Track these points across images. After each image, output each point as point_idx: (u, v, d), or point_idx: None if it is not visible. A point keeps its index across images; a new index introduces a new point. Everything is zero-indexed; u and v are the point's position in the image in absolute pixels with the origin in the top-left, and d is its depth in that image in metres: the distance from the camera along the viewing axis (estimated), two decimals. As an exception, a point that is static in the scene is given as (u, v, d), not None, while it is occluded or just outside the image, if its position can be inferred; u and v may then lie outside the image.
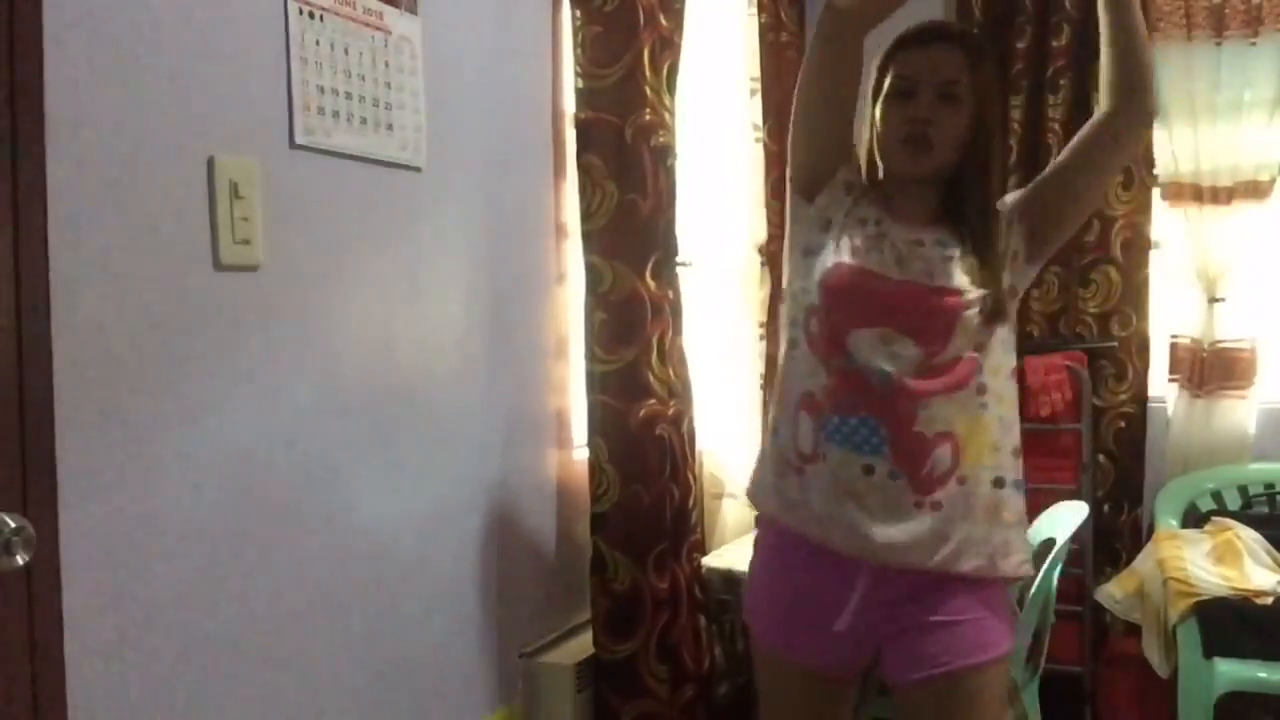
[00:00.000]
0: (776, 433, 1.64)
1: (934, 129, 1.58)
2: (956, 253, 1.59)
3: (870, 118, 1.68)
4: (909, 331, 1.55)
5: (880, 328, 1.55)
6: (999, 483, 1.58)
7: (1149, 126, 1.63)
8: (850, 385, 1.56)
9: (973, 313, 1.55)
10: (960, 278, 1.55)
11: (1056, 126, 3.18)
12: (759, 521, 1.73)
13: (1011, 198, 1.66)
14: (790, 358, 1.63)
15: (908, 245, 1.60)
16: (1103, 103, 1.57)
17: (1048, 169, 1.65)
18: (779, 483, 1.63)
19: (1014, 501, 1.60)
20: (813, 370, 1.59)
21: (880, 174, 1.67)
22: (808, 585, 1.63)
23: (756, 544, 1.74)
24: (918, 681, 1.59)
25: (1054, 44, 3.18)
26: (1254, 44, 2.96)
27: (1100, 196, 1.52)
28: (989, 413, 1.58)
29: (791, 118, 1.69)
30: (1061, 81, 3.18)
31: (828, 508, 1.57)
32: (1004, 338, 1.61)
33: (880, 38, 1.62)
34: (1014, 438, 1.62)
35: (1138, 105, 1.56)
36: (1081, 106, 3.17)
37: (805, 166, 1.69)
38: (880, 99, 1.65)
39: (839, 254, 1.58)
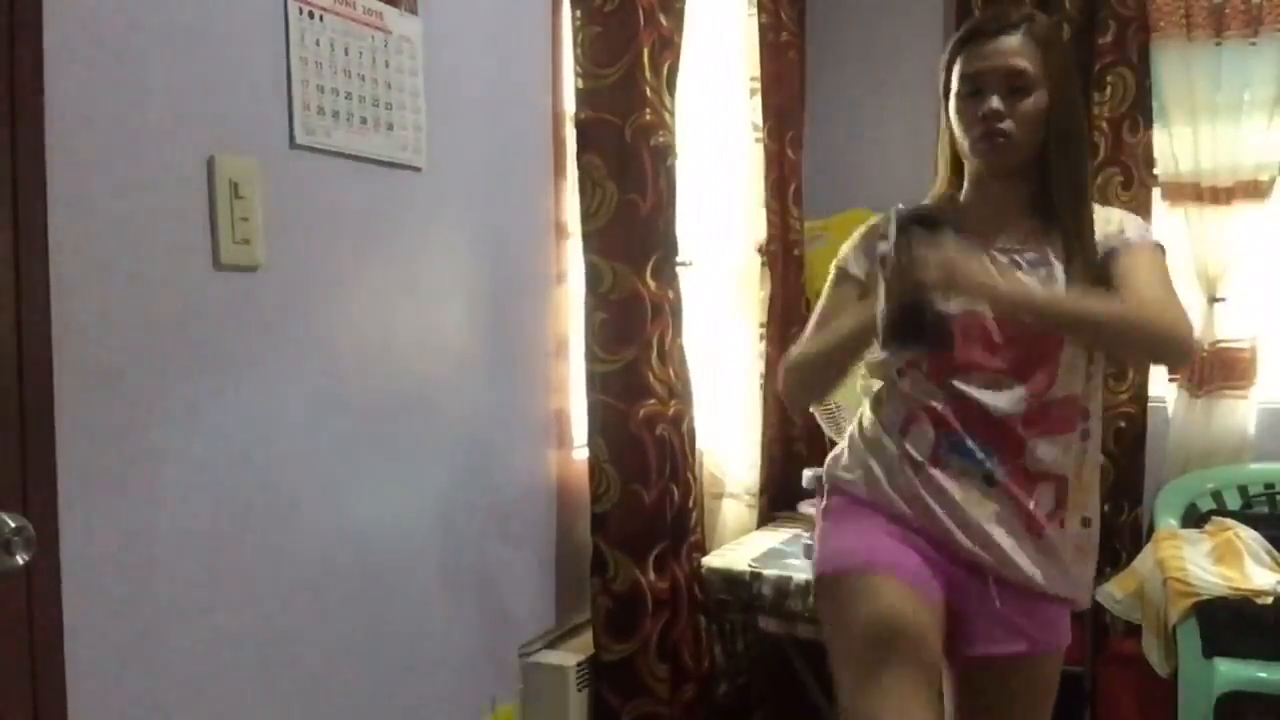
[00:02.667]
0: (890, 432, 1.60)
1: (1009, 123, 1.55)
2: (1058, 270, 1.56)
3: (944, 119, 1.66)
4: (1013, 373, 1.55)
5: (986, 372, 1.55)
6: (1086, 522, 1.62)
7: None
8: (967, 411, 1.56)
9: (1072, 350, 1.55)
10: None
11: (1057, 126, 3.18)
12: (837, 496, 1.66)
13: (1112, 242, 1.59)
14: (903, 379, 1.61)
15: (1027, 270, 1.57)
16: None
17: (1125, 279, 1.57)
18: (891, 478, 1.60)
19: (1094, 540, 1.64)
20: (930, 391, 1.58)
21: (964, 178, 1.65)
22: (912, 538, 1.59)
23: (839, 514, 1.65)
24: (995, 657, 1.60)
25: (1054, 44, 3.17)
26: (1254, 44, 2.96)
27: None
28: (1089, 457, 1.61)
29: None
30: (1061, 81, 3.17)
31: (949, 507, 1.56)
32: (1098, 376, 1.62)
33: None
34: (1099, 475, 1.65)
35: (1170, 363, 1.55)
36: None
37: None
38: (950, 100, 1.62)
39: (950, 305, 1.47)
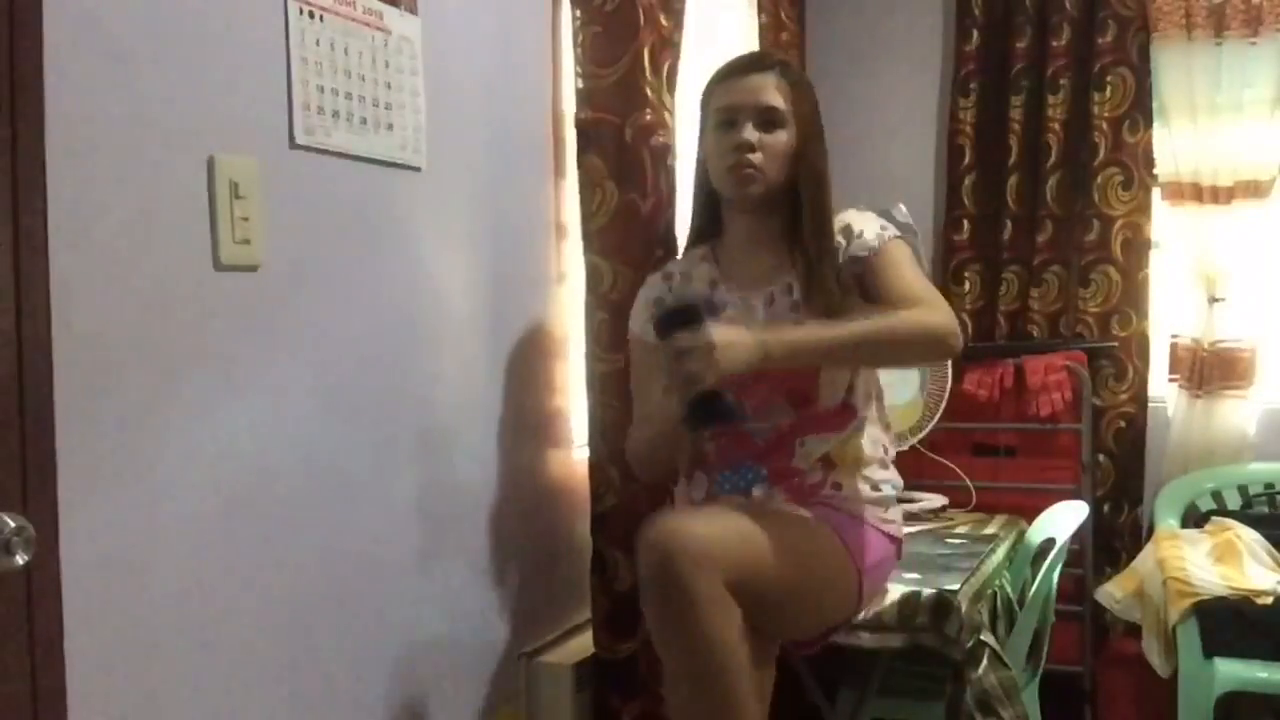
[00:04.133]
0: (676, 482, 1.86)
1: (758, 154, 1.65)
2: (800, 299, 1.69)
3: (699, 153, 1.79)
4: (780, 395, 1.70)
5: (750, 400, 1.68)
6: (869, 481, 1.76)
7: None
8: (738, 443, 1.75)
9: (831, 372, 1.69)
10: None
11: (1057, 126, 3.18)
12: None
13: (855, 251, 1.70)
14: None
15: (758, 305, 1.73)
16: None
17: (876, 284, 1.68)
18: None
19: (881, 495, 1.78)
20: (702, 439, 1.77)
21: (720, 209, 1.80)
22: None
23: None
24: None
25: (1054, 44, 3.18)
26: (1254, 44, 2.96)
27: None
28: (861, 429, 1.75)
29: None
30: (1061, 81, 3.18)
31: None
32: (865, 382, 1.79)
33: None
34: (886, 436, 1.82)
35: (942, 357, 1.69)
36: (1081, 106, 3.18)
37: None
38: (705, 133, 1.75)
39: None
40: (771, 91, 1.66)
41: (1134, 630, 2.70)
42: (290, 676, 1.58)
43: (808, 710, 2.67)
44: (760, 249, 1.72)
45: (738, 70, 1.72)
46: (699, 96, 1.80)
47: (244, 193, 1.48)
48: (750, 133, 1.66)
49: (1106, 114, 3.14)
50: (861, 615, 1.89)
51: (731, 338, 1.49)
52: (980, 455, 3.12)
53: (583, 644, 2.21)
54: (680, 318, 1.51)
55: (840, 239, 1.71)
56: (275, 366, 1.56)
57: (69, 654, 1.24)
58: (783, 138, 1.66)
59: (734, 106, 1.68)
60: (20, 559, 1.13)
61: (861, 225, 1.71)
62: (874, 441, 1.78)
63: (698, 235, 1.90)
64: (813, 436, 1.71)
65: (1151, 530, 2.96)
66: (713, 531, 1.51)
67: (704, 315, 1.51)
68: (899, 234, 1.73)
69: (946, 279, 3.26)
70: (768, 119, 1.66)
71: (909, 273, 1.67)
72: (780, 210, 1.71)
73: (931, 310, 1.60)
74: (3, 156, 1.16)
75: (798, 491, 1.70)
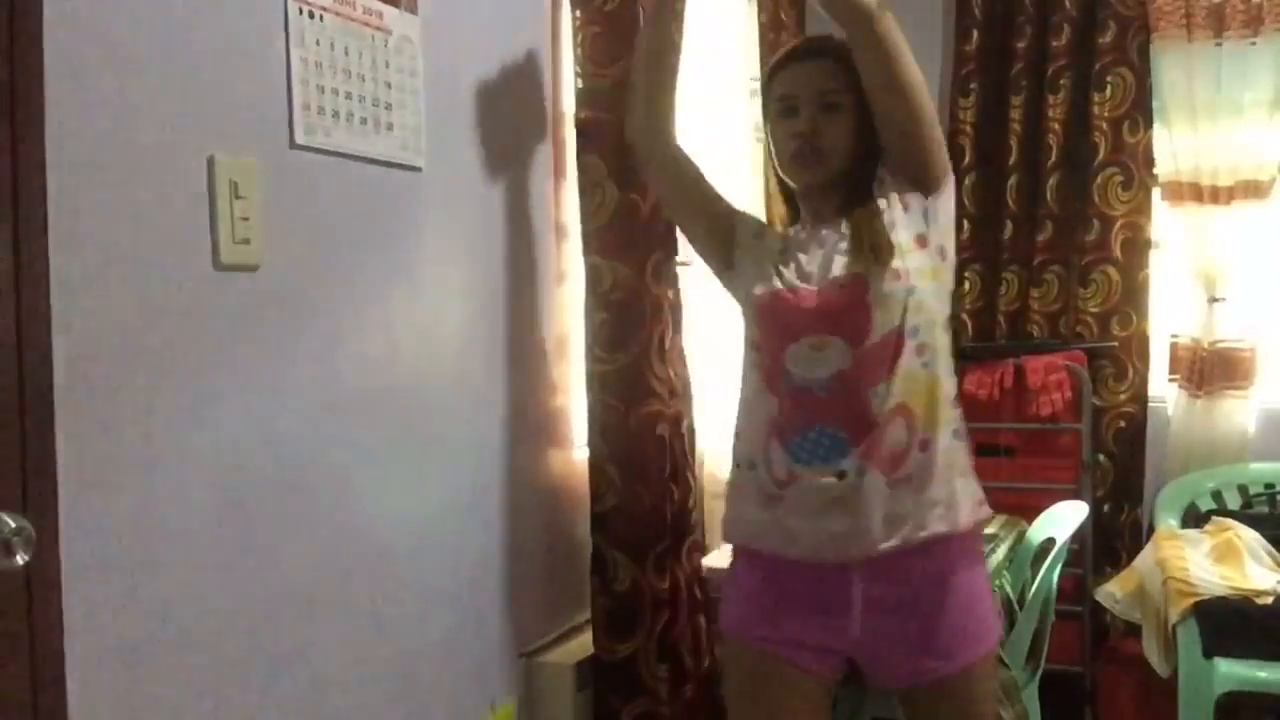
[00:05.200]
0: (754, 467, 1.68)
1: (820, 139, 1.66)
2: (847, 239, 1.65)
3: (768, 141, 1.77)
4: (831, 330, 1.61)
5: (806, 337, 1.62)
6: (957, 434, 1.66)
7: (874, 29, 1.60)
8: (799, 403, 1.63)
9: (879, 286, 1.59)
10: (855, 262, 1.61)
11: (1056, 126, 3.19)
12: (738, 554, 1.77)
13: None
14: (750, 394, 1.72)
15: (811, 251, 1.68)
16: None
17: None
18: (760, 514, 1.66)
19: (965, 451, 1.68)
20: (767, 401, 1.67)
21: (791, 188, 1.77)
22: (807, 597, 1.64)
23: (736, 568, 1.77)
24: (914, 688, 1.66)
25: (1054, 44, 3.18)
26: (1254, 44, 2.97)
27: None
28: (934, 370, 1.63)
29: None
30: (1061, 81, 3.18)
31: (812, 524, 1.60)
32: (934, 290, 1.65)
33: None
34: (954, 385, 1.70)
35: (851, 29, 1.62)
36: (1081, 106, 3.18)
37: (708, 251, 1.84)
38: (769, 121, 1.74)
39: (755, 290, 1.69)
40: (829, 75, 1.65)
41: (1134, 630, 2.70)
42: (290, 676, 1.58)
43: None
44: (823, 225, 1.70)
45: (796, 56, 1.72)
46: (762, 84, 1.81)
47: (244, 193, 1.48)
48: (810, 119, 1.65)
49: (1106, 114, 3.15)
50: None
51: None
52: (980, 455, 3.09)
53: (583, 644, 2.21)
54: None
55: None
56: (275, 366, 1.56)
57: (69, 654, 1.24)
58: (843, 121, 1.65)
59: (792, 94, 1.67)
60: (20, 559, 1.14)
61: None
62: (949, 376, 1.66)
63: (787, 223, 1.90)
64: (881, 385, 1.58)
65: (1151, 530, 2.96)
66: None
67: None
68: None
69: (947, 279, 3.25)
70: (827, 103, 1.65)
71: None
72: (841, 189, 1.69)
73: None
74: (3, 157, 1.16)
75: (888, 464, 1.57)
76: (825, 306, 1.61)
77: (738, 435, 1.73)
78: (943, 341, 1.66)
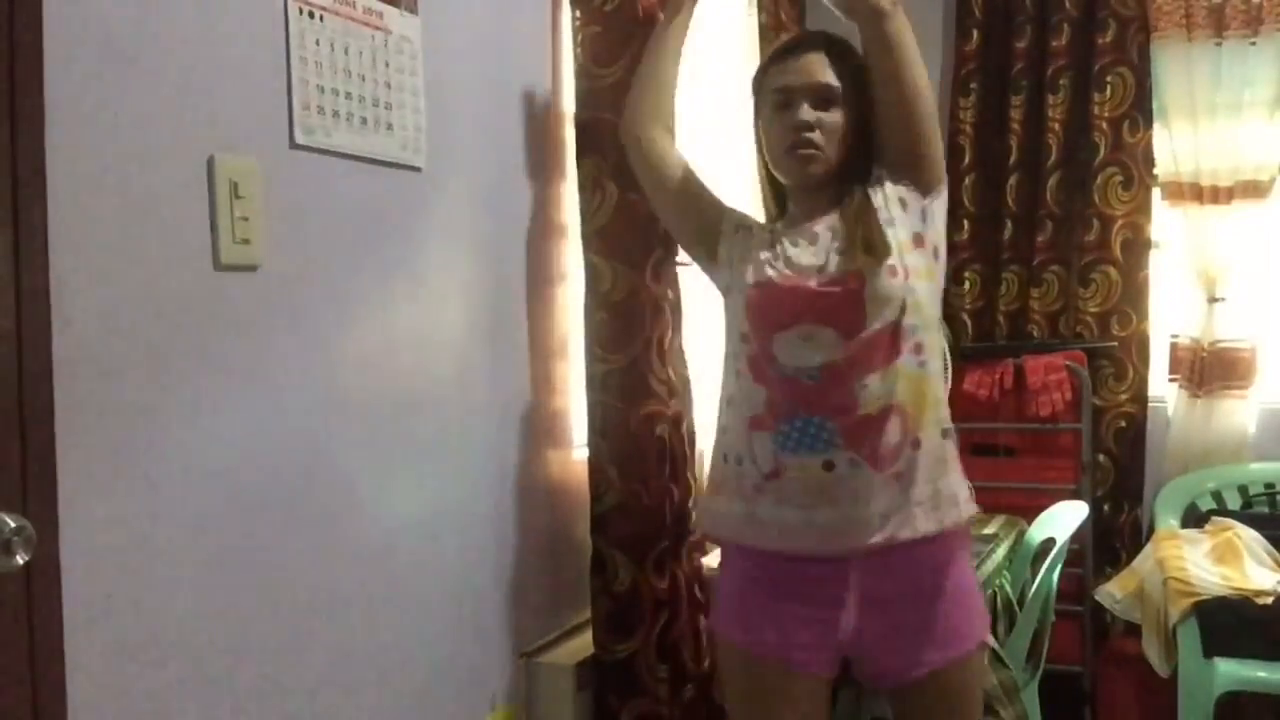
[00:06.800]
0: (740, 462, 1.66)
1: (816, 133, 1.64)
2: (843, 235, 1.64)
3: (758, 136, 1.76)
4: (824, 321, 1.59)
5: (797, 326, 1.60)
6: (946, 434, 1.65)
7: (887, 26, 1.61)
8: (788, 392, 1.61)
9: (876, 283, 1.58)
10: (852, 258, 1.60)
11: (1057, 126, 3.19)
12: (725, 552, 1.77)
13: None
14: (733, 388, 1.69)
15: (802, 245, 1.67)
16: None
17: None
18: (745, 508, 1.65)
19: (953, 449, 1.68)
20: (753, 392, 1.65)
21: (782, 185, 1.76)
22: (798, 593, 1.64)
23: (725, 568, 1.77)
24: (906, 683, 1.66)
25: (1054, 44, 3.18)
26: (1254, 44, 2.97)
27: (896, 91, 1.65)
28: (928, 369, 1.63)
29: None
30: (1061, 81, 3.18)
31: (799, 515, 1.59)
32: (929, 290, 1.66)
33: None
34: (945, 385, 1.70)
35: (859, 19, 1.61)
36: (1081, 106, 3.18)
37: (693, 244, 1.84)
38: (762, 116, 1.72)
39: (747, 278, 1.68)
40: (826, 69, 1.64)
41: (1134, 630, 2.71)
42: (289, 675, 1.58)
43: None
44: (815, 222, 1.69)
45: (791, 50, 1.70)
46: (752, 81, 1.77)
47: (244, 193, 1.47)
48: (808, 112, 1.63)
49: (1106, 114, 3.15)
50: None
51: None
52: (980, 455, 3.12)
53: (583, 644, 2.21)
54: None
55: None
56: (275, 366, 1.56)
57: (69, 654, 1.24)
58: (839, 116, 1.64)
59: (790, 87, 1.65)
60: (20, 559, 1.14)
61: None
62: (940, 378, 1.66)
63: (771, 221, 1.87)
64: (873, 376, 1.57)
65: (1151, 530, 2.96)
66: None
67: None
68: None
69: (946, 279, 3.25)
70: (824, 97, 1.64)
71: None
72: (833, 185, 1.68)
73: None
74: (3, 157, 1.16)
75: (878, 460, 1.56)
76: (819, 299, 1.60)
77: (722, 430, 1.72)
78: (936, 341, 1.66)
